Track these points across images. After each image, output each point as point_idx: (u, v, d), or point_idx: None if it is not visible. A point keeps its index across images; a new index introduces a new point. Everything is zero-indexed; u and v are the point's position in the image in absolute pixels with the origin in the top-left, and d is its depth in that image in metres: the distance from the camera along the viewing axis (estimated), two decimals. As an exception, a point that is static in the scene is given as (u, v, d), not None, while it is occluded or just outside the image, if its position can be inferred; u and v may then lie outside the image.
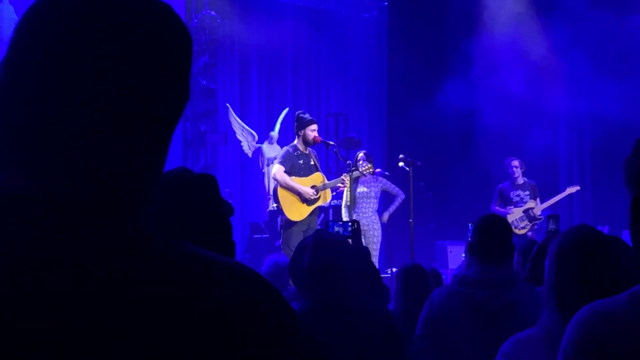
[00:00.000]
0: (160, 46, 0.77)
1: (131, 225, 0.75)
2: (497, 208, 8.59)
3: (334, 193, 7.93)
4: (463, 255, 7.95)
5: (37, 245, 0.70)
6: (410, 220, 7.87)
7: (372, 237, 7.83)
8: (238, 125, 10.68)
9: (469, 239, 3.08)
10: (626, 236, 1.86)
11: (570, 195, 9.16)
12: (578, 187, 9.00)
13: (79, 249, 0.70)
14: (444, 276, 5.39)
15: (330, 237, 2.82)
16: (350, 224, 3.90)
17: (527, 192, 8.70)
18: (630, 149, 1.26)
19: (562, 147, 11.23)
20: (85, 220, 0.72)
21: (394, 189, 8.13)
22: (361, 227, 7.72)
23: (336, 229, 3.87)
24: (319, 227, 7.27)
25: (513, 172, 8.69)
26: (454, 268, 8.16)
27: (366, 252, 3.65)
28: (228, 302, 0.73)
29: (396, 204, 8.23)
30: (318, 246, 2.67)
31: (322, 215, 8.60)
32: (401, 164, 8.20)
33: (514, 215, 8.48)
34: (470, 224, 3.11)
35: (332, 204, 8.52)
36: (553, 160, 11.00)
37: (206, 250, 0.77)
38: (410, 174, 7.94)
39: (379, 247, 7.99)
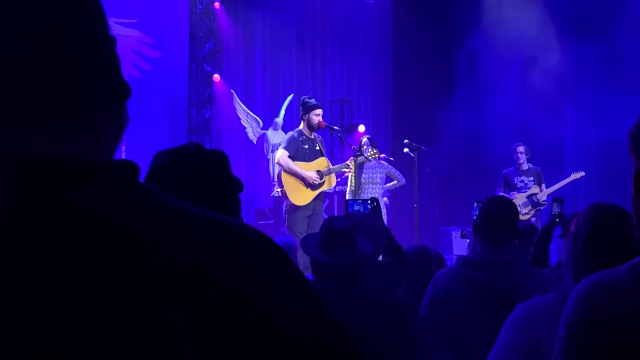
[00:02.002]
0: None
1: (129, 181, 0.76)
2: (501, 193, 8.57)
3: (339, 179, 7.93)
4: (468, 240, 7.96)
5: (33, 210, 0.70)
6: (415, 205, 7.87)
7: None
8: (243, 111, 10.67)
9: (474, 218, 3.07)
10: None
11: (576, 181, 9.13)
12: (583, 173, 8.96)
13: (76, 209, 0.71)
14: (448, 262, 5.40)
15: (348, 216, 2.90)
16: (370, 202, 3.92)
17: (532, 178, 8.70)
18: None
19: (567, 133, 11.19)
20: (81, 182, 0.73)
21: (397, 174, 8.14)
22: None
23: (356, 207, 3.89)
24: (324, 212, 7.27)
25: (518, 158, 8.68)
26: (458, 254, 8.17)
27: (386, 231, 3.66)
28: (239, 260, 0.74)
29: (395, 184, 8.25)
30: (334, 217, 2.75)
31: (327, 200, 8.60)
32: (406, 149, 8.18)
33: (518, 200, 8.47)
34: (475, 203, 3.10)
35: (337, 189, 8.52)
36: (559, 146, 10.97)
37: (214, 212, 0.78)
38: (415, 159, 7.93)
39: None
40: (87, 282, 0.68)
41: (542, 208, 8.64)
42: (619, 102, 9.27)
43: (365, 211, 3.81)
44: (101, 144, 0.77)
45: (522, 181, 8.69)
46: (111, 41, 0.80)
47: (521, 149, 8.70)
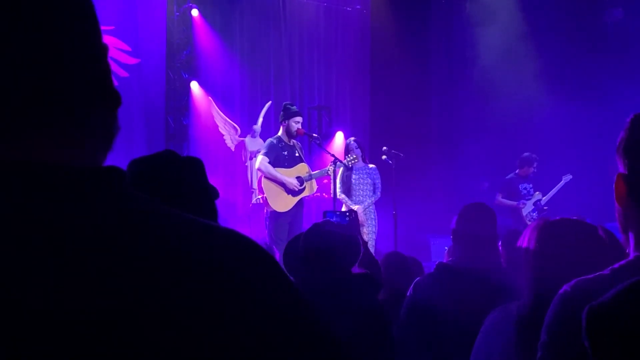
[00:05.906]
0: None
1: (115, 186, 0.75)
2: (504, 200, 8.58)
3: (318, 185, 7.89)
4: (446, 248, 7.98)
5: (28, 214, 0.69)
6: (394, 212, 7.87)
7: (370, 227, 7.70)
8: (220, 118, 10.63)
9: (453, 225, 3.08)
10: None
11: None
12: (570, 176, 8.95)
13: (66, 213, 0.70)
14: (426, 270, 5.41)
15: (325, 227, 2.88)
16: (347, 213, 3.91)
17: (531, 185, 8.74)
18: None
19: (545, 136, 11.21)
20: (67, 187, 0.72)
21: (378, 187, 7.92)
22: (359, 216, 7.60)
23: (334, 219, 3.88)
24: (303, 217, 7.23)
25: (534, 172, 8.71)
26: (436, 261, 8.16)
27: (363, 242, 3.66)
28: (227, 264, 0.74)
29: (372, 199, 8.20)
30: (313, 233, 2.74)
31: (307, 207, 8.58)
32: (384, 157, 8.17)
33: (527, 208, 8.52)
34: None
35: (316, 195, 8.47)
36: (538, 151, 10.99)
37: (205, 219, 0.78)
38: (393, 166, 7.93)
39: (375, 236, 7.82)
40: (79, 288, 0.67)
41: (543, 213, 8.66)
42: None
43: (343, 223, 3.80)
44: (92, 151, 0.77)
45: (525, 188, 8.71)
46: (104, 49, 0.80)
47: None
